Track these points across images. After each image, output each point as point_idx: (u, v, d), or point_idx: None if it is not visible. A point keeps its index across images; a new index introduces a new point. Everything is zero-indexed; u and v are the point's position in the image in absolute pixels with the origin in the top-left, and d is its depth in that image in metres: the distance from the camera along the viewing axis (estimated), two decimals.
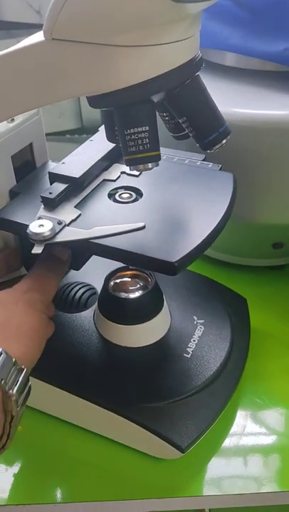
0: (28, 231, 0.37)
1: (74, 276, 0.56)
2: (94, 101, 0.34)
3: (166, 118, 0.39)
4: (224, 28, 0.53)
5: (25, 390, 0.35)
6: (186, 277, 0.58)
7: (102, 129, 0.50)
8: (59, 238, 0.38)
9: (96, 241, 0.38)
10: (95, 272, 0.55)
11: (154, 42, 0.31)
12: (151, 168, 0.35)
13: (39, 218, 0.39)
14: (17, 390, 0.33)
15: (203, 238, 0.38)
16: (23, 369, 0.34)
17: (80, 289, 0.54)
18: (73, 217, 0.40)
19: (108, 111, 0.37)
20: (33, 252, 0.36)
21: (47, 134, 0.49)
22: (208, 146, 0.36)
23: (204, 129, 0.35)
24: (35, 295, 0.39)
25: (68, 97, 0.34)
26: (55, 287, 0.42)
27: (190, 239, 0.38)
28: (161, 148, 0.49)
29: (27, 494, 0.44)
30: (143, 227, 0.39)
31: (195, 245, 0.37)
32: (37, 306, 0.38)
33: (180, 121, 0.36)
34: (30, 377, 0.46)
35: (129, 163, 0.35)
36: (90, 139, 0.48)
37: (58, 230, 0.38)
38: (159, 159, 0.35)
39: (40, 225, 0.38)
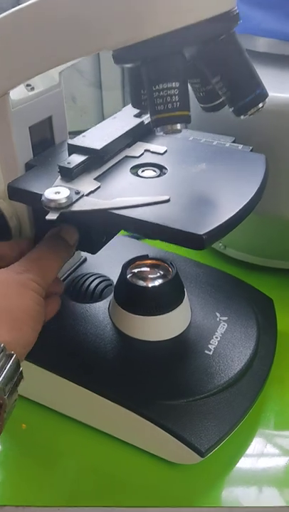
0: (42, 198, 0.34)
1: (89, 267, 0.53)
2: (120, 56, 0.32)
3: (197, 85, 0.36)
4: (256, 12, 0.51)
5: (16, 378, 0.32)
6: (208, 273, 0.54)
7: (125, 108, 0.48)
8: (76, 207, 0.35)
9: (116, 212, 0.34)
10: (111, 264, 0.52)
11: None
12: (180, 131, 0.32)
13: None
14: (4, 377, 0.31)
15: (233, 214, 0.34)
16: (12, 355, 0.32)
17: (95, 279, 0.51)
18: (92, 189, 0.37)
19: (135, 71, 0.35)
20: (47, 218, 0.33)
21: (68, 133, 0.46)
22: (242, 110, 0.33)
23: (240, 90, 0.32)
24: (30, 276, 0.36)
25: (94, 51, 0.31)
26: (56, 270, 0.39)
27: (219, 214, 0.34)
28: (187, 130, 0.47)
29: (28, 495, 0.40)
30: (168, 200, 0.36)
31: (224, 220, 0.34)
32: (31, 287, 0.35)
33: (213, 81, 0.33)
34: (38, 369, 0.43)
35: (156, 124, 0.32)
36: (113, 116, 0.45)
37: (74, 199, 0.35)
38: (189, 121, 0.32)
39: (56, 192, 0.35)
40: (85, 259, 0.54)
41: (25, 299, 0.35)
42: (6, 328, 0.32)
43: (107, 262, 0.52)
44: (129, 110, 0.46)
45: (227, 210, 0.35)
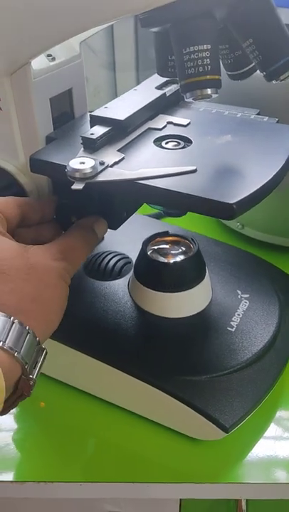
0: (67, 168, 0.34)
1: (107, 245, 0.52)
2: (150, 18, 0.31)
3: (225, 51, 0.35)
4: None
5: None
6: (228, 252, 0.53)
7: (145, 81, 0.47)
8: (101, 177, 0.34)
9: (143, 182, 0.34)
10: (129, 243, 0.51)
11: None
12: (210, 96, 0.31)
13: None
14: (37, 372, 0.31)
15: (263, 184, 0.34)
16: (44, 349, 0.32)
17: (113, 257, 0.50)
18: (116, 160, 0.36)
19: (162, 35, 0.34)
20: (73, 187, 0.33)
21: None
22: (274, 75, 0.32)
23: (272, 53, 0.31)
24: (65, 266, 0.36)
25: (121, 14, 0.30)
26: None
27: (247, 184, 0.34)
28: (208, 103, 0.46)
29: (50, 472, 0.40)
30: (194, 171, 0.35)
31: (254, 189, 0.33)
32: (64, 278, 0.35)
33: (245, 44, 0.32)
34: (59, 345, 0.43)
35: (185, 89, 0.31)
36: (134, 88, 0.44)
37: (100, 170, 0.34)
38: (220, 86, 0.31)
39: (81, 162, 0.34)
40: (103, 238, 0.53)
41: (58, 290, 0.34)
42: (40, 321, 0.32)
43: (125, 240, 0.52)
44: (150, 83, 0.45)
45: (256, 180, 0.34)
